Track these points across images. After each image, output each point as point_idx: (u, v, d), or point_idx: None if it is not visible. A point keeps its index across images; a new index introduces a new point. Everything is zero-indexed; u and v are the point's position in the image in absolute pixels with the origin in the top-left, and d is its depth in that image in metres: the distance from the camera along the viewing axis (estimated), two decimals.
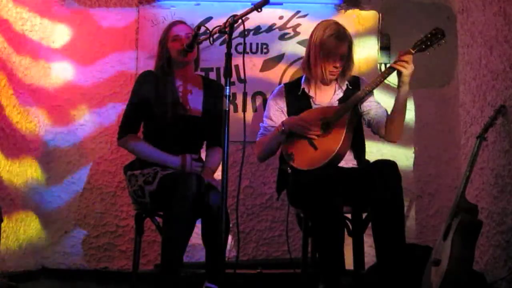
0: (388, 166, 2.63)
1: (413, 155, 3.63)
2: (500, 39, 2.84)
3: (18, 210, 3.34)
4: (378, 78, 2.78)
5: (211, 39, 2.51)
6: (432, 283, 2.59)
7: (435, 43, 2.69)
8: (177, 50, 2.92)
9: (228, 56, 2.31)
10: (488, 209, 2.92)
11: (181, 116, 2.92)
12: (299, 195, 2.71)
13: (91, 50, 3.69)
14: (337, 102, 2.89)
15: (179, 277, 2.63)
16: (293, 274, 3.03)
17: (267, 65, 3.67)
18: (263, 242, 3.59)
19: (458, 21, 3.39)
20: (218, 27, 2.43)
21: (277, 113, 2.93)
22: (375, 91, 2.87)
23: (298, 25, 3.66)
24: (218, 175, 2.72)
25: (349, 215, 2.85)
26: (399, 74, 2.71)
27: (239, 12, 2.36)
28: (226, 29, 2.34)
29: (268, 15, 3.64)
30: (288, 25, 3.67)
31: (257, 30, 3.67)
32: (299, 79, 2.98)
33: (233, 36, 2.36)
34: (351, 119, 2.77)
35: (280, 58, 3.67)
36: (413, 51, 2.71)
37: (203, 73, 3.55)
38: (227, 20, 2.34)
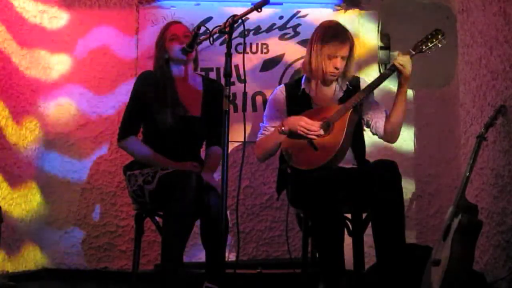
0: (388, 166, 2.63)
1: (413, 155, 3.63)
2: (500, 39, 2.84)
3: (18, 209, 3.34)
4: (378, 79, 2.78)
5: (211, 39, 2.51)
6: (432, 283, 2.58)
7: (435, 44, 2.70)
8: (176, 50, 2.92)
9: (228, 56, 2.31)
10: (488, 209, 2.92)
11: (180, 117, 2.92)
12: (299, 195, 2.71)
13: (91, 49, 3.69)
14: (337, 102, 2.89)
15: (179, 277, 2.63)
16: (293, 274, 3.03)
17: (267, 65, 3.67)
18: (263, 242, 3.59)
19: (458, 21, 3.39)
20: (218, 27, 2.43)
21: (277, 113, 2.93)
22: (375, 91, 2.87)
23: (298, 25, 3.66)
24: (218, 175, 2.72)
25: (349, 215, 2.85)
26: (399, 74, 2.71)
27: (239, 12, 2.36)
28: (226, 29, 2.34)
29: (268, 15, 3.64)
30: (288, 25, 3.67)
31: (257, 30, 3.67)
32: (299, 79, 2.98)
33: (233, 36, 2.36)
34: (351, 119, 2.77)
35: (280, 58, 3.67)
36: (413, 52, 2.72)
37: (203, 73, 3.55)
38: (227, 20, 2.34)
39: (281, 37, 3.67)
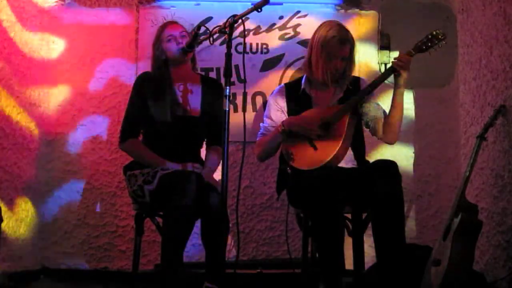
0: (388, 166, 2.63)
1: (413, 155, 3.62)
2: (500, 39, 2.84)
3: (18, 209, 3.34)
4: (378, 79, 2.78)
5: (211, 39, 2.51)
6: (432, 283, 2.59)
7: (436, 44, 2.70)
8: (174, 50, 2.92)
9: (228, 56, 2.31)
10: (488, 209, 2.92)
11: (180, 117, 2.92)
12: (299, 195, 2.71)
13: (91, 50, 3.69)
14: (337, 102, 2.89)
15: (179, 277, 2.63)
16: (293, 274, 3.03)
17: (267, 65, 3.66)
18: (263, 242, 3.59)
19: (458, 21, 3.40)
20: (218, 27, 2.43)
21: (277, 113, 2.93)
22: (375, 91, 2.86)
23: (298, 25, 3.66)
24: (218, 175, 2.72)
25: (349, 215, 2.85)
26: (397, 75, 2.71)
27: (239, 12, 2.36)
28: (226, 29, 2.34)
29: (268, 15, 3.64)
30: (288, 25, 3.67)
31: (257, 30, 3.67)
32: (300, 79, 2.98)
33: (233, 36, 2.36)
34: (351, 120, 2.77)
35: (280, 58, 3.66)
36: (413, 52, 2.71)
37: (202, 73, 3.55)
38: (227, 20, 2.34)
39: (281, 37, 3.67)
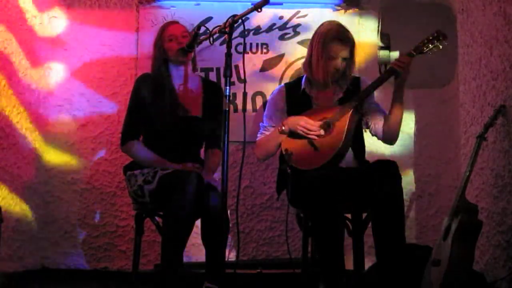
0: (388, 166, 2.63)
1: (413, 155, 3.63)
2: (500, 39, 2.84)
3: (18, 209, 3.34)
4: (379, 79, 2.78)
5: (211, 39, 2.51)
6: (432, 283, 2.58)
7: (436, 45, 2.69)
8: (175, 50, 2.92)
9: (228, 56, 2.31)
10: (488, 209, 2.92)
11: (181, 117, 2.92)
12: (299, 195, 2.71)
13: (91, 50, 3.69)
14: (337, 102, 2.89)
15: (179, 277, 2.63)
16: (293, 274, 3.03)
17: (267, 65, 3.67)
18: (263, 242, 3.59)
19: (458, 21, 3.39)
20: (218, 27, 2.43)
21: (277, 113, 2.93)
22: (375, 92, 2.86)
23: (298, 25, 3.66)
24: (218, 175, 2.72)
25: (349, 215, 2.86)
26: (397, 76, 2.71)
27: (239, 12, 2.36)
28: (226, 29, 2.34)
29: (268, 15, 3.64)
30: (288, 25, 3.67)
31: (257, 30, 3.67)
32: (300, 79, 2.98)
33: (233, 36, 2.36)
34: (351, 120, 2.77)
35: (280, 58, 3.67)
36: (414, 53, 2.71)
37: (202, 74, 3.55)
38: (227, 20, 2.34)
39: (281, 37, 3.67)
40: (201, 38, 2.75)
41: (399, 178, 2.61)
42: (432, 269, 2.61)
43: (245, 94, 3.49)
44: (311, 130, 2.75)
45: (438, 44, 2.70)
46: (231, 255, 3.37)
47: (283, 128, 2.81)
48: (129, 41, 3.69)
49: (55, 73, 3.68)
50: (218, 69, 3.63)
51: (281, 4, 3.67)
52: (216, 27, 2.46)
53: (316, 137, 2.76)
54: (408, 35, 3.31)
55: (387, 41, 3.65)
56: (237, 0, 3.60)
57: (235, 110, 3.61)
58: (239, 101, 3.61)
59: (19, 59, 3.36)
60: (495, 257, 2.85)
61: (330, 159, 2.71)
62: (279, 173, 2.96)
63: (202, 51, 3.50)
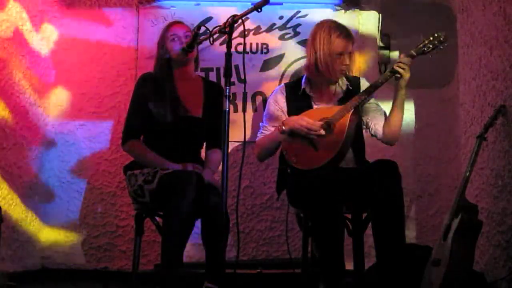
0: (388, 166, 2.63)
1: (413, 155, 3.62)
2: (500, 39, 2.84)
3: (18, 209, 3.34)
4: (379, 80, 2.78)
5: (211, 39, 2.51)
6: (432, 283, 2.59)
7: (437, 46, 2.69)
8: (177, 49, 2.91)
9: (228, 56, 2.31)
10: (488, 209, 2.92)
11: (181, 117, 2.92)
12: (299, 195, 2.71)
13: (91, 50, 3.69)
14: (337, 102, 2.89)
15: (179, 277, 2.63)
16: (293, 274, 3.03)
17: (267, 65, 3.67)
18: (263, 242, 3.59)
19: (458, 21, 3.40)
20: (218, 27, 2.43)
21: (277, 113, 2.93)
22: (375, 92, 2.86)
23: (298, 25, 3.66)
24: (218, 175, 2.72)
25: (349, 215, 2.85)
26: (398, 77, 2.71)
27: (239, 12, 2.36)
28: (226, 29, 2.34)
29: (268, 15, 3.64)
30: (288, 25, 3.67)
31: (257, 30, 3.67)
32: (300, 79, 2.98)
33: (233, 36, 2.36)
34: (352, 120, 2.77)
35: (280, 58, 3.67)
36: (415, 54, 2.71)
37: (203, 74, 3.55)
38: (227, 20, 2.34)
39: (281, 37, 3.67)
40: (201, 38, 2.75)
41: (399, 178, 2.61)
42: (432, 269, 2.62)
43: (245, 94, 3.49)
44: (311, 130, 2.75)
45: (439, 45, 2.70)
46: (231, 255, 3.37)
47: (283, 128, 2.80)
48: (129, 41, 3.69)
49: (55, 73, 3.68)
50: (218, 69, 3.63)
51: (281, 4, 3.67)
52: (216, 27, 2.46)
53: (316, 137, 2.76)
54: (408, 35, 3.32)
55: (387, 41, 3.66)
56: (237, 0, 3.60)
57: (235, 110, 3.61)
58: (239, 101, 3.61)
59: (19, 59, 3.36)
60: (495, 257, 2.85)
61: (331, 159, 2.70)
62: (279, 173, 2.96)
63: (202, 51, 3.49)
